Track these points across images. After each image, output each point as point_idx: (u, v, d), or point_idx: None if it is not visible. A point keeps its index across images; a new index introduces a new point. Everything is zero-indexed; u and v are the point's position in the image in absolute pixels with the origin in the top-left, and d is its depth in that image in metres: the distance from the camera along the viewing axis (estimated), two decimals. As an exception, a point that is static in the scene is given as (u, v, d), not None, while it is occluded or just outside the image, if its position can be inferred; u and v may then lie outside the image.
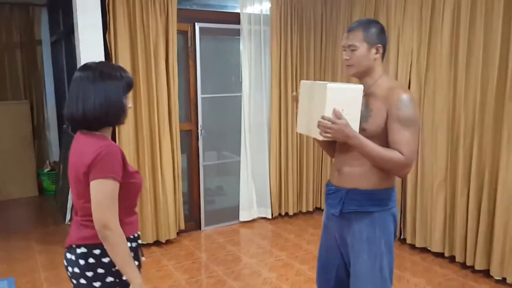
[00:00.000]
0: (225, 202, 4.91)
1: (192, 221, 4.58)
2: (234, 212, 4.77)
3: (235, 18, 4.49)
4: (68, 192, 4.71)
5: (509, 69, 3.11)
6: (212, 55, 4.64)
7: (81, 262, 1.63)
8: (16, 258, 3.86)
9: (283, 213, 4.95)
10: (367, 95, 2.01)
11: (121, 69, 1.68)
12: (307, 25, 4.79)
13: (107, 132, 1.68)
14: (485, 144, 3.30)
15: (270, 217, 4.86)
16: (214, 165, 4.83)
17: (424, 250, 3.89)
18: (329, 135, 1.87)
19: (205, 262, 3.81)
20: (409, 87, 3.86)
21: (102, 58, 3.79)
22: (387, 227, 2.04)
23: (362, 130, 1.94)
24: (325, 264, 2.25)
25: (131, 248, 1.68)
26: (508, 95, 3.12)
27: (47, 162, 6.22)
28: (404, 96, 1.91)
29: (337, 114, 1.86)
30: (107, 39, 3.77)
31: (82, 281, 1.64)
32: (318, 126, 1.89)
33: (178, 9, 4.09)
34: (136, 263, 1.69)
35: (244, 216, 4.78)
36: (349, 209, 2.04)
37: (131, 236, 1.70)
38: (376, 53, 1.99)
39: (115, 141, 3.86)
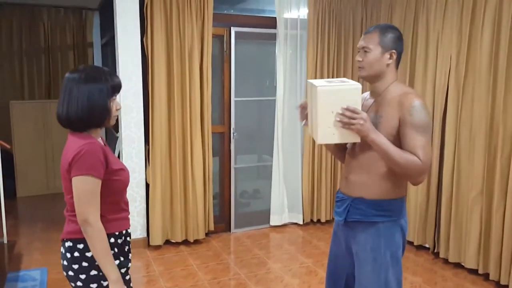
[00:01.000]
0: (258, 206, 4.93)
1: (222, 223, 4.63)
2: (265, 216, 4.78)
3: (272, 22, 4.51)
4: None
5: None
6: (247, 59, 4.68)
7: (68, 255, 1.71)
8: (53, 249, 4.07)
9: (315, 220, 4.89)
10: (377, 101, 1.98)
11: (107, 72, 1.72)
12: (345, 29, 4.71)
13: (95, 132, 1.73)
14: (524, 158, 3.10)
15: (301, 223, 4.82)
16: (247, 168, 4.86)
17: (458, 265, 3.71)
18: (354, 126, 1.80)
19: (230, 264, 3.84)
20: (447, 94, 3.72)
21: (139, 61, 3.95)
22: (393, 239, 1.98)
23: None
24: (334, 272, 2.22)
25: (116, 244, 1.73)
26: (550, 106, 2.92)
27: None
28: (417, 102, 1.87)
29: (352, 109, 1.80)
30: (145, 42, 3.90)
31: (70, 273, 1.72)
32: (341, 120, 1.80)
33: (215, 14, 4.17)
34: (122, 259, 1.74)
35: (274, 220, 4.77)
36: (353, 218, 2.01)
37: (116, 233, 1.75)
38: (390, 58, 1.95)
39: (148, 142, 4.00)
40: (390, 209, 1.96)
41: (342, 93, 1.81)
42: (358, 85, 1.83)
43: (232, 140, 4.51)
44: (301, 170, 4.79)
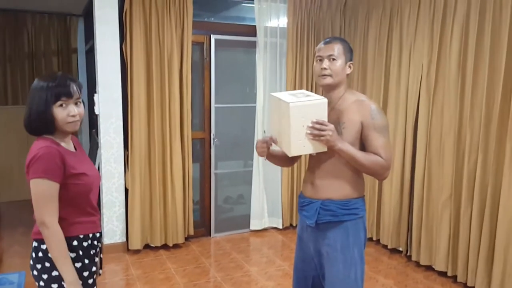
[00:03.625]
0: (239, 211, 4.99)
1: (203, 227, 4.69)
2: (245, 220, 4.84)
3: (252, 30, 4.60)
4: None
5: (514, 87, 3.03)
6: (228, 66, 4.77)
7: (33, 255, 1.77)
8: (33, 253, 4.09)
9: (294, 224, 4.97)
10: (336, 109, 2.08)
11: (54, 78, 1.71)
12: (324, 37, 4.80)
13: (59, 137, 1.76)
14: (489, 164, 3.22)
15: (281, 227, 4.90)
16: (230, 174, 4.93)
17: (429, 268, 3.81)
18: (324, 138, 1.93)
19: (207, 267, 3.90)
20: (418, 102, 3.83)
21: (118, 67, 4.01)
22: (359, 235, 2.11)
23: None
24: (302, 275, 2.29)
25: (80, 246, 1.78)
26: (512, 115, 3.04)
27: (76, 164, 6.52)
28: (374, 107, 2.04)
29: (321, 122, 1.94)
30: (124, 49, 3.97)
31: (35, 272, 1.77)
32: (311, 133, 1.92)
33: (195, 22, 4.25)
34: (86, 261, 1.79)
35: (254, 225, 4.84)
36: (324, 219, 2.09)
37: (81, 236, 1.79)
38: (349, 68, 2.09)
39: (127, 147, 4.05)
40: (356, 207, 2.10)
41: (311, 107, 1.93)
42: (324, 99, 1.96)
43: (213, 146, 4.58)
44: (280, 176, 4.87)
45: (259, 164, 4.74)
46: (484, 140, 3.24)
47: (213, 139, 4.56)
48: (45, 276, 1.74)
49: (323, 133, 1.92)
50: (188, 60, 4.19)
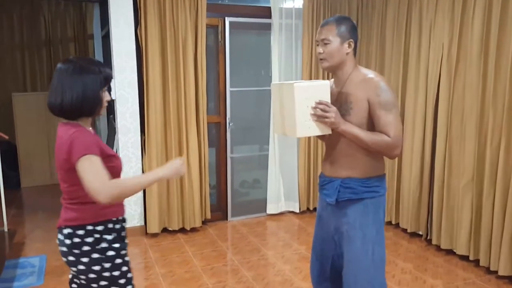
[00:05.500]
0: (256, 195, 4.98)
1: (219, 211, 4.70)
2: (262, 204, 4.84)
3: (266, 12, 4.53)
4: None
5: (539, 65, 2.91)
6: (243, 49, 4.71)
7: (67, 241, 1.76)
8: (53, 238, 4.13)
9: (311, 208, 4.95)
10: (344, 90, 2.08)
11: (100, 63, 1.77)
12: (341, 18, 4.71)
13: (86, 121, 1.79)
14: (512, 145, 3.11)
15: (298, 211, 4.88)
16: (246, 158, 4.91)
17: (450, 252, 3.74)
18: (328, 120, 1.96)
19: (224, 251, 3.91)
20: (439, 81, 3.73)
21: (134, 52, 4.00)
22: (378, 214, 2.11)
23: None
24: (321, 254, 2.30)
25: (114, 229, 1.81)
26: (537, 93, 2.93)
27: (95, 149, 6.60)
28: (381, 83, 2.01)
29: (325, 103, 1.96)
30: (138, 33, 3.95)
31: (71, 258, 1.77)
32: (315, 114, 1.95)
33: (209, 4, 4.20)
34: (117, 245, 1.80)
35: (271, 209, 4.83)
36: (344, 197, 2.10)
37: (114, 219, 1.82)
38: (348, 47, 2.06)
39: (144, 132, 4.06)
40: (377, 185, 2.10)
41: (314, 89, 1.98)
42: (327, 81, 2.01)
43: (228, 130, 4.56)
44: (297, 159, 4.83)
45: (275, 148, 4.71)
46: (508, 122, 3.13)
47: (229, 123, 4.54)
48: (85, 260, 1.74)
49: (326, 114, 1.95)
50: (202, 43, 4.15)
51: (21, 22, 6.33)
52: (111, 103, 4.90)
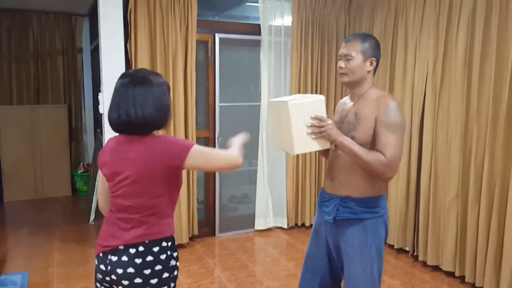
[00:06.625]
0: (244, 210, 4.96)
1: (207, 227, 4.66)
2: (250, 220, 4.82)
3: (256, 29, 4.58)
4: (93, 193, 4.95)
5: (521, 83, 2.99)
6: (232, 65, 4.74)
7: (138, 261, 1.64)
8: (36, 254, 4.10)
9: (299, 224, 4.94)
10: (357, 105, 2.10)
11: (159, 74, 1.79)
12: (329, 36, 4.79)
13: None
14: (496, 163, 3.17)
15: (286, 226, 4.87)
16: (231, 173, 4.89)
17: (436, 268, 3.76)
18: (324, 133, 1.97)
19: (211, 267, 3.88)
20: (424, 99, 3.79)
21: (123, 66, 3.99)
22: (378, 233, 2.10)
23: (351, 138, 2.03)
24: (312, 270, 2.31)
25: (175, 246, 1.79)
26: (520, 111, 3.00)
27: (81, 163, 6.54)
28: (392, 103, 2.00)
29: (319, 117, 1.98)
30: (128, 47, 3.96)
31: (137, 280, 1.64)
32: (312, 131, 1.97)
33: (199, 20, 4.23)
34: (178, 263, 1.78)
35: (259, 224, 4.81)
36: (342, 216, 2.10)
37: (173, 235, 1.80)
38: (370, 65, 2.08)
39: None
40: (376, 205, 2.09)
41: (309, 105, 1.99)
42: (322, 97, 2.02)
43: (217, 145, 4.56)
44: (285, 175, 4.84)
45: (264, 163, 4.72)
46: (491, 138, 3.19)
47: (218, 138, 4.54)
48: (154, 281, 1.66)
49: (322, 129, 1.96)
50: (192, 58, 4.17)
51: (9, 34, 6.28)
52: (99, 117, 4.89)
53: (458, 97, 3.48)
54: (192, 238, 4.44)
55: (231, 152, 1.76)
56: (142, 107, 1.64)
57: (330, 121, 1.99)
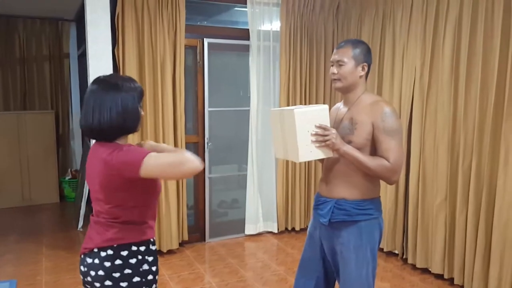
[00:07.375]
0: (234, 215, 4.95)
1: (197, 233, 4.65)
2: (240, 225, 4.81)
3: (245, 34, 4.59)
4: (81, 200, 4.90)
5: (506, 89, 3.04)
6: (221, 69, 4.75)
7: (107, 264, 1.67)
8: (25, 261, 4.05)
9: (289, 228, 4.94)
10: (351, 110, 2.13)
11: (132, 79, 1.77)
12: (317, 41, 4.82)
13: (123, 141, 1.75)
14: (483, 166, 3.22)
15: (276, 231, 4.87)
16: (225, 178, 4.90)
17: (425, 271, 3.79)
18: (328, 142, 2.00)
19: (202, 273, 3.86)
20: (411, 105, 3.83)
21: (111, 71, 3.96)
22: (373, 236, 2.13)
23: (348, 143, 2.06)
24: (307, 274, 2.32)
25: (152, 251, 1.78)
26: (505, 116, 3.04)
27: (69, 170, 6.47)
28: (387, 109, 2.04)
29: (324, 127, 2.01)
30: (116, 52, 3.94)
31: (108, 283, 1.67)
32: (316, 139, 2.00)
33: (188, 25, 4.23)
34: (155, 268, 1.77)
35: (250, 229, 4.80)
36: (337, 218, 2.13)
37: (152, 239, 1.79)
38: (362, 70, 2.11)
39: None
40: (371, 207, 2.12)
41: (314, 113, 2.03)
42: (325, 106, 2.05)
43: (206, 150, 4.55)
44: (275, 179, 4.85)
45: (254, 168, 4.72)
46: (478, 142, 3.23)
47: (207, 143, 4.53)
48: (124, 284, 1.68)
49: (326, 138, 1.99)
50: (181, 63, 4.17)
51: (-6, 40, 6.22)
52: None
53: (445, 102, 3.52)
54: (182, 243, 4.42)
55: (187, 156, 1.64)
56: (102, 113, 1.64)
57: (334, 131, 2.02)
